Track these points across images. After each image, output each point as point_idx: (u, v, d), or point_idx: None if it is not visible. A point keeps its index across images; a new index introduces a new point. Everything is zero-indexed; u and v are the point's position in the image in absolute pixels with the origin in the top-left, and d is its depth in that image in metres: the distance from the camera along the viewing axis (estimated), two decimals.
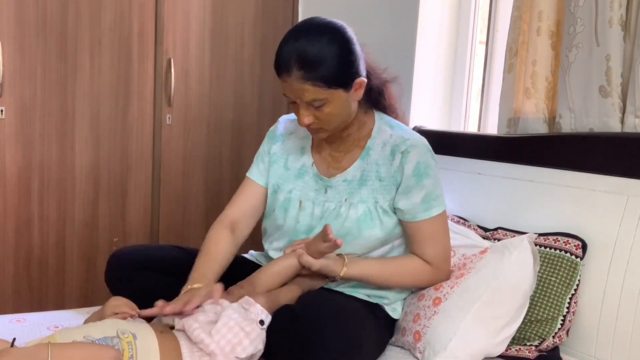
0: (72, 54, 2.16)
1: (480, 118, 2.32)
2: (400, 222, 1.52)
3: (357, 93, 1.43)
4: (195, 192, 2.49)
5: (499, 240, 1.62)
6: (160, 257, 1.59)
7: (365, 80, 1.43)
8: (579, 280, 1.52)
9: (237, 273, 1.54)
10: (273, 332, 1.30)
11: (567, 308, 1.50)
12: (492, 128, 2.21)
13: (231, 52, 2.50)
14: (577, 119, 1.72)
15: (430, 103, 2.34)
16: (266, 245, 1.64)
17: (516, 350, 1.48)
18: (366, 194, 1.48)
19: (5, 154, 2.09)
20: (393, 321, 1.55)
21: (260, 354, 1.30)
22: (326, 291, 1.47)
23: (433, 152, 1.52)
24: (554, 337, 1.49)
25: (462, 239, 1.66)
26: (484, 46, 2.31)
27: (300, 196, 1.53)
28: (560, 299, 1.50)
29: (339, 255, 1.47)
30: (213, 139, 2.50)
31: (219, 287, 1.36)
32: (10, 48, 2.04)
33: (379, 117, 1.55)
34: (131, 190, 2.35)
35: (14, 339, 1.12)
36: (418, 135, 1.53)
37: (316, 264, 1.42)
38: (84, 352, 1.10)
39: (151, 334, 1.22)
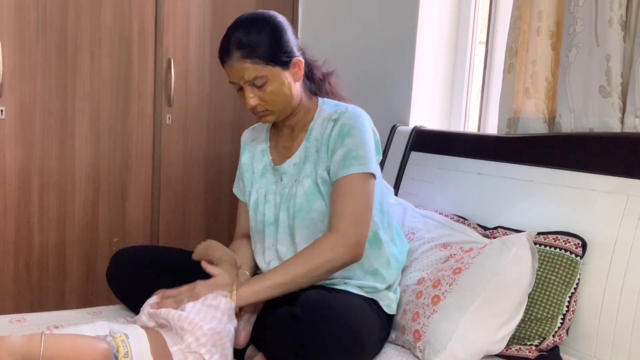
0: (72, 54, 2.16)
1: (480, 118, 2.31)
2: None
3: (297, 73, 1.52)
4: (195, 192, 2.49)
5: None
6: (162, 258, 1.60)
7: (302, 60, 1.53)
8: (578, 279, 1.52)
9: None
10: (274, 334, 1.30)
11: (567, 307, 1.50)
12: (492, 128, 2.21)
13: None
14: (577, 119, 1.72)
15: (430, 103, 2.34)
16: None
17: (516, 350, 1.48)
18: (309, 169, 1.53)
19: (5, 154, 2.09)
20: (389, 317, 1.54)
21: (234, 324, 1.32)
22: (324, 289, 1.47)
23: (368, 120, 1.54)
24: (554, 336, 1.49)
25: (458, 235, 1.67)
26: (484, 46, 2.31)
27: (265, 192, 1.60)
28: (560, 298, 1.51)
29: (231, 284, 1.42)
30: (213, 139, 2.51)
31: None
32: (10, 48, 2.05)
33: (322, 102, 1.61)
34: (131, 190, 2.35)
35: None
36: (358, 108, 1.56)
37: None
38: (76, 342, 1.12)
39: (141, 331, 1.24)
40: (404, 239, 1.68)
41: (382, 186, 1.60)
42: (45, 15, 2.10)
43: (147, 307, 1.36)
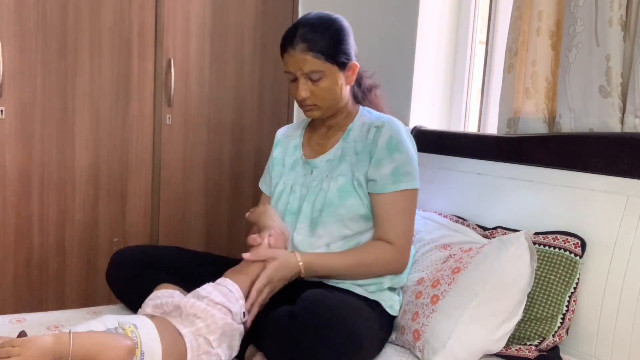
0: (72, 54, 2.16)
1: (480, 118, 2.31)
2: (370, 200, 1.57)
3: (350, 77, 1.61)
4: (195, 192, 2.49)
5: None
6: (162, 258, 1.60)
7: (358, 65, 1.62)
8: (578, 279, 1.52)
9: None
10: (273, 334, 1.30)
11: (567, 306, 1.50)
12: (492, 128, 2.21)
13: (231, 52, 2.51)
14: (577, 119, 1.72)
15: (430, 103, 2.34)
16: None
17: (516, 350, 1.48)
18: (345, 168, 1.60)
19: (5, 154, 2.09)
20: (391, 318, 1.55)
21: (242, 322, 1.35)
22: (325, 289, 1.47)
23: (410, 135, 1.64)
24: (553, 335, 1.49)
25: (458, 236, 1.67)
26: (484, 46, 2.31)
27: (292, 183, 1.66)
28: (559, 298, 1.51)
29: (292, 253, 1.50)
30: (213, 139, 2.51)
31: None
32: (10, 48, 2.05)
33: (362, 109, 1.70)
34: (131, 190, 2.35)
35: (23, 332, 1.15)
36: (394, 118, 1.65)
37: (264, 279, 1.43)
38: (102, 339, 1.14)
39: (149, 321, 1.25)
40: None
41: None
42: (45, 15, 2.10)
43: (150, 302, 1.36)
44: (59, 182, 2.20)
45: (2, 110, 2.06)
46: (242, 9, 2.51)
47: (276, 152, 1.77)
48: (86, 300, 2.25)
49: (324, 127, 1.69)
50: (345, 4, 2.54)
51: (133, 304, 1.57)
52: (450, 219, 1.80)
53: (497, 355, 1.47)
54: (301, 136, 1.75)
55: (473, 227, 1.74)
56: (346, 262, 1.52)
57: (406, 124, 2.27)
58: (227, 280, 1.39)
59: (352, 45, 1.62)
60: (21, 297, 2.16)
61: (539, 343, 1.49)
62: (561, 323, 1.49)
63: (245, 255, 1.46)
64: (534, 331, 1.51)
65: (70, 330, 1.14)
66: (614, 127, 1.63)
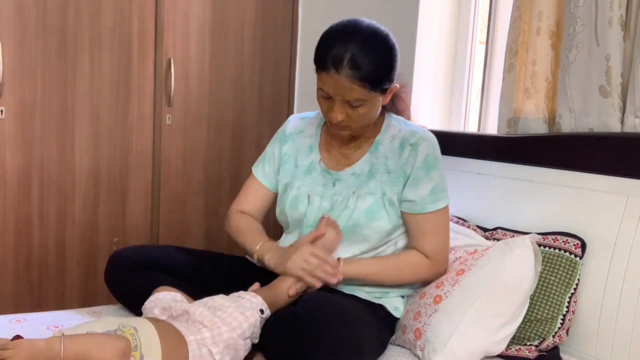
0: (72, 54, 2.16)
1: (480, 118, 2.31)
2: (403, 215, 1.53)
3: (387, 98, 1.50)
4: (195, 192, 2.49)
5: (498, 240, 1.61)
6: (160, 258, 1.59)
7: (398, 86, 1.51)
8: (578, 280, 1.52)
9: (242, 274, 1.54)
10: (273, 334, 1.30)
11: (567, 307, 1.50)
12: (492, 128, 2.21)
13: (231, 52, 2.50)
14: (577, 119, 1.72)
15: (430, 103, 2.34)
16: (281, 241, 1.66)
17: (516, 350, 1.48)
18: (374, 186, 1.52)
19: (5, 154, 2.09)
20: (394, 320, 1.55)
21: (254, 341, 1.32)
22: (326, 291, 1.47)
23: (438, 146, 1.57)
24: (554, 336, 1.49)
25: (463, 238, 1.66)
26: (484, 46, 2.31)
27: (308, 191, 1.57)
28: (559, 298, 1.51)
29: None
30: (213, 138, 2.51)
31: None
32: (10, 48, 2.05)
33: (388, 115, 1.60)
34: (131, 190, 2.35)
35: (18, 335, 1.15)
36: (426, 129, 1.58)
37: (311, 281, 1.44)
38: (95, 340, 1.14)
39: (149, 324, 1.25)
40: None
41: None
42: (45, 15, 2.10)
43: (153, 304, 1.36)
44: (59, 182, 2.20)
45: (2, 110, 2.06)
46: (242, 9, 2.51)
47: (287, 148, 1.65)
48: (86, 300, 2.25)
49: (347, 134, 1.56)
50: (345, 4, 2.54)
51: (132, 305, 1.56)
52: (450, 219, 1.80)
53: (496, 354, 1.47)
54: (317, 136, 1.63)
55: (473, 228, 1.74)
56: (383, 267, 1.51)
57: None
58: (249, 293, 1.39)
59: (398, 65, 1.49)
60: (21, 297, 2.16)
61: (539, 343, 1.49)
62: (561, 324, 1.49)
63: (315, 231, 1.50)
64: (534, 332, 1.51)
65: (62, 334, 1.14)
66: (614, 127, 1.63)
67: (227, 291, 1.41)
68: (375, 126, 1.57)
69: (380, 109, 1.50)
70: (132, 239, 2.35)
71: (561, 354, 1.50)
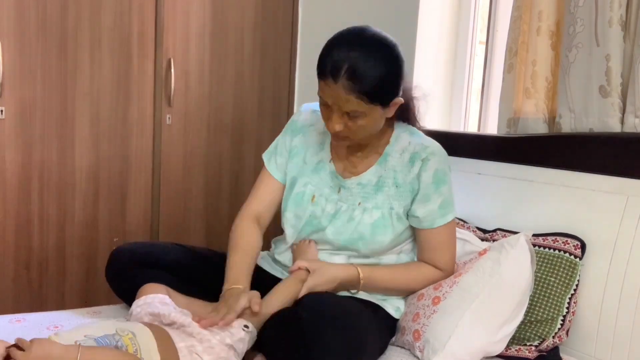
0: (72, 54, 2.16)
1: (480, 118, 2.32)
2: (413, 229, 1.54)
3: (390, 111, 1.44)
4: (195, 192, 2.49)
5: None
6: (161, 255, 1.58)
7: (402, 100, 1.44)
8: (578, 280, 1.52)
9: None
10: (275, 333, 1.29)
11: (567, 308, 1.50)
12: (492, 128, 2.21)
13: (231, 52, 2.50)
14: (577, 119, 1.72)
15: (430, 103, 2.34)
16: (274, 246, 1.65)
17: (516, 350, 1.48)
18: (382, 199, 1.50)
19: (5, 154, 2.09)
20: (394, 321, 1.55)
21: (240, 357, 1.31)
22: (327, 293, 1.47)
23: (448, 158, 1.54)
24: (553, 337, 1.49)
25: (462, 246, 1.65)
26: (484, 46, 2.31)
27: (314, 190, 1.55)
28: (559, 299, 1.51)
29: (351, 265, 1.49)
30: (213, 139, 2.51)
31: (258, 298, 1.34)
32: (10, 48, 2.04)
33: (397, 125, 1.56)
34: (131, 190, 2.35)
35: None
36: (436, 142, 1.54)
37: (326, 287, 1.44)
38: (111, 356, 1.12)
39: (147, 329, 1.24)
40: None
41: None
42: (45, 15, 2.10)
43: (144, 306, 1.35)
44: (59, 182, 2.20)
45: (2, 110, 2.06)
46: (242, 9, 2.51)
47: (297, 141, 1.59)
48: (86, 300, 2.25)
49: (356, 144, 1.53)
50: (345, 5, 2.54)
51: (131, 301, 1.56)
52: None
53: (496, 355, 1.47)
54: (329, 133, 1.52)
55: (473, 230, 1.74)
56: (397, 281, 1.52)
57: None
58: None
59: (403, 77, 1.42)
60: (21, 297, 2.16)
61: (539, 344, 1.49)
62: (561, 325, 1.49)
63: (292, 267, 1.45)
64: (534, 332, 1.51)
65: (79, 344, 1.12)
66: (614, 127, 1.63)
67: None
68: (383, 136, 1.52)
69: (383, 122, 1.45)
70: (132, 238, 2.35)
71: (561, 354, 1.50)
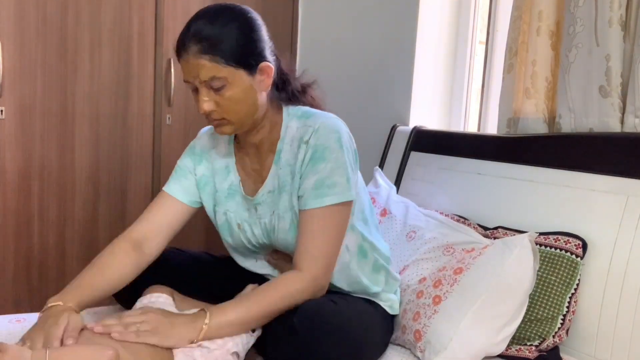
0: (72, 54, 2.16)
1: (480, 118, 2.32)
2: None
3: (263, 81, 1.32)
4: None
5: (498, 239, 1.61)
6: (159, 259, 1.58)
7: (272, 66, 1.32)
8: (579, 280, 1.52)
9: (237, 277, 1.54)
10: (273, 346, 1.26)
11: (567, 307, 1.50)
12: (492, 128, 2.21)
13: None
14: (577, 119, 1.72)
15: (430, 103, 2.34)
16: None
17: (516, 350, 1.48)
18: (286, 200, 1.38)
19: (5, 154, 2.08)
20: (392, 318, 1.54)
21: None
22: (324, 299, 1.38)
23: (346, 136, 1.36)
24: (554, 336, 1.49)
25: (460, 235, 1.66)
26: (484, 46, 2.31)
27: (235, 218, 1.46)
28: (560, 298, 1.51)
29: (200, 311, 1.26)
30: None
31: (75, 332, 1.19)
32: (10, 48, 2.04)
33: (287, 113, 1.41)
34: (131, 190, 2.35)
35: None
36: (327, 116, 1.37)
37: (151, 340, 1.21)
38: (80, 353, 1.11)
39: None
40: (379, 231, 1.60)
41: (361, 192, 1.45)
42: (45, 15, 2.10)
43: (150, 305, 1.35)
44: (59, 182, 2.20)
45: (2, 110, 2.06)
46: None
47: (202, 169, 1.48)
48: None
49: (249, 146, 1.42)
50: (345, 4, 2.54)
51: (128, 302, 1.55)
52: (451, 217, 1.80)
53: (497, 354, 1.47)
54: (231, 154, 1.46)
55: (474, 227, 1.74)
56: (254, 313, 1.27)
57: (406, 124, 2.27)
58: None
59: (264, 41, 1.32)
60: (21, 297, 2.16)
61: (539, 343, 1.49)
62: (561, 324, 1.49)
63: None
64: (534, 332, 1.51)
65: (47, 348, 1.10)
66: (614, 127, 1.63)
67: (225, 294, 1.39)
68: (274, 128, 1.40)
69: (261, 97, 1.33)
70: None
71: (561, 354, 1.50)
